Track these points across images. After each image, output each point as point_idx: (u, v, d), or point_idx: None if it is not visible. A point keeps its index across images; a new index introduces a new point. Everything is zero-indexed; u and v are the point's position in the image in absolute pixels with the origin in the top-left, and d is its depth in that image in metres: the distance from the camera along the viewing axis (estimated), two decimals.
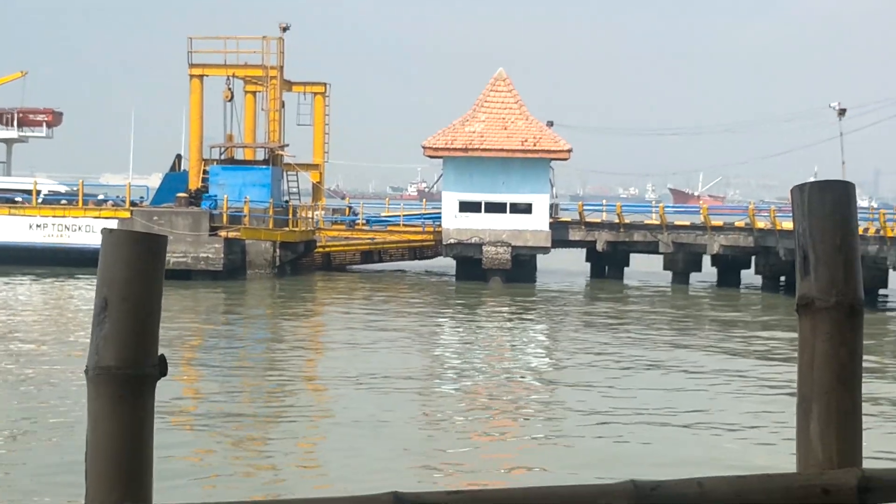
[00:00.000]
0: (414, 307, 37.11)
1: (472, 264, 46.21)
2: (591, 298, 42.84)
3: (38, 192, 48.03)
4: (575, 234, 48.42)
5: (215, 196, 46.67)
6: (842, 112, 49.73)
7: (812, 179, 2.84)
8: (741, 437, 17.92)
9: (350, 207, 55.03)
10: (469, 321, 33.99)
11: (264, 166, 48.83)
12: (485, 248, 45.95)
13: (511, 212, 46.56)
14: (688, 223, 48.57)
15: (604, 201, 54.34)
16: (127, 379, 2.69)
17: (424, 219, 50.75)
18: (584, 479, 13.93)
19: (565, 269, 51.01)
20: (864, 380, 2.75)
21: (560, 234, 47.70)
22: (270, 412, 19.35)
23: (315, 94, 53.59)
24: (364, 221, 51.02)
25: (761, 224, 46.35)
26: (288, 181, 50.97)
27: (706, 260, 47.95)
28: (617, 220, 48.40)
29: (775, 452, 16.15)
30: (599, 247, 48.25)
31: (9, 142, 53.56)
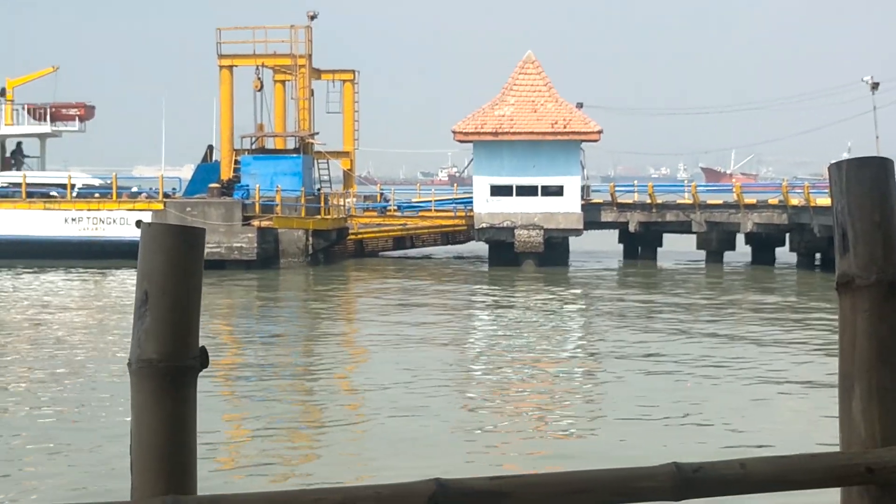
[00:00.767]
0: (448, 292, 37.13)
1: (504, 248, 46.18)
2: (624, 280, 42.75)
3: (73, 186, 48.31)
4: (607, 216, 48.29)
5: (247, 186, 46.81)
6: (875, 86, 49.31)
7: (846, 155, 2.83)
8: (782, 417, 17.85)
9: (381, 194, 55.09)
10: (503, 305, 33.98)
11: (295, 155, 48.93)
12: (517, 232, 45.91)
13: (542, 195, 46.48)
14: (720, 202, 48.33)
15: (635, 182, 54.16)
16: (169, 371, 2.71)
17: (456, 203, 50.73)
18: (625, 462, 13.92)
19: (598, 250, 50.90)
20: None
21: (592, 216, 47.58)
22: (309, 400, 19.42)
23: (344, 81, 53.63)
24: (395, 207, 51.06)
25: (795, 201, 46.07)
26: (319, 169, 51.07)
27: (740, 238, 47.73)
28: (649, 201, 48.22)
29: (817, 432, 16.09)
30: (632, 227, 48.10)
31: (42, 136, 53.85)
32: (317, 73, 51.93)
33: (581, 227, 46.74)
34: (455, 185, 63.04)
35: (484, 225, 46.35)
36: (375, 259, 48.18)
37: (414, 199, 54.48)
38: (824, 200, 44.24)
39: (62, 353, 23.82)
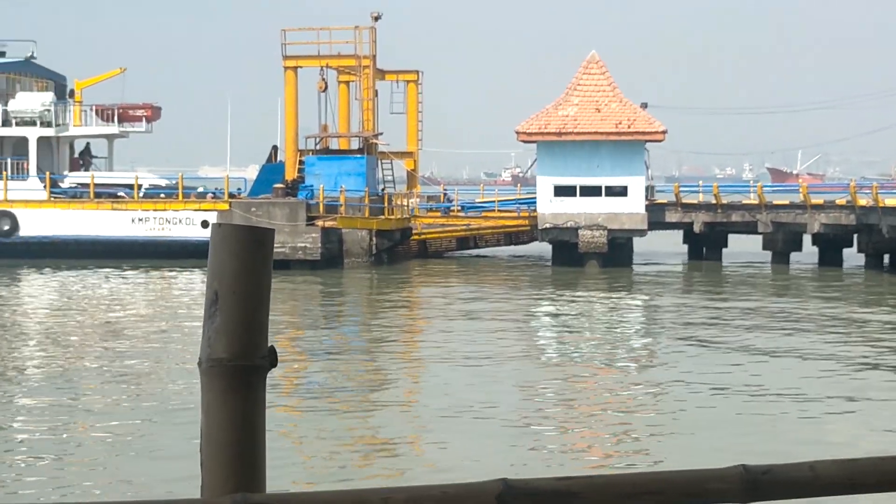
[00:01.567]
0: (511, 293, 37.10)
1: (568, 248, 46.05)
2: (689, 280, 42.48)
3: (140, 187, 48.84)
4: (671, 216, 47.99)
5: (311, 186, 47.06)
6: None
7: None
8: (852, 420, 17.65)
9: (445, 194, 55.15)
10: (567, 306, 33.90)
11: (359, 155, 49.12)
12: (580, 232, 45.76)
13: (606, 195, 46.29)
14: (787, 202, 47.85)
15: (700, 182, 53.77)
16: (238, 370, 2.73)
17: (519, 204, 50.67)
18: (692, 464, 13.85)
19: (662, 251, 50.62)
20: None
21: (656, 217, 47.32)
22: (374, 400, 19.49)
23: (408, 81, 53.75)
24: (459, 208, 51.09)
25: (863, 201, 45.50)
26: (383, 169, 51.23)
27: (807, 239, 47.23)
28: (714, 201, 47.86)
29: (888, 435, 15.90)
30: (697, 228, 47.77)
31: (110, 137, 54.48)
32: (381, 73, 52.10)
33: (645, 227, 46.50)
34: (518, 185, 62.91)
35: (547, 225, 46.25)
36: (439, 259, 48.25)
37: (477, 200, 54.48)
38: (893, 201, 43.66)
39: (130, 353, 24.10)
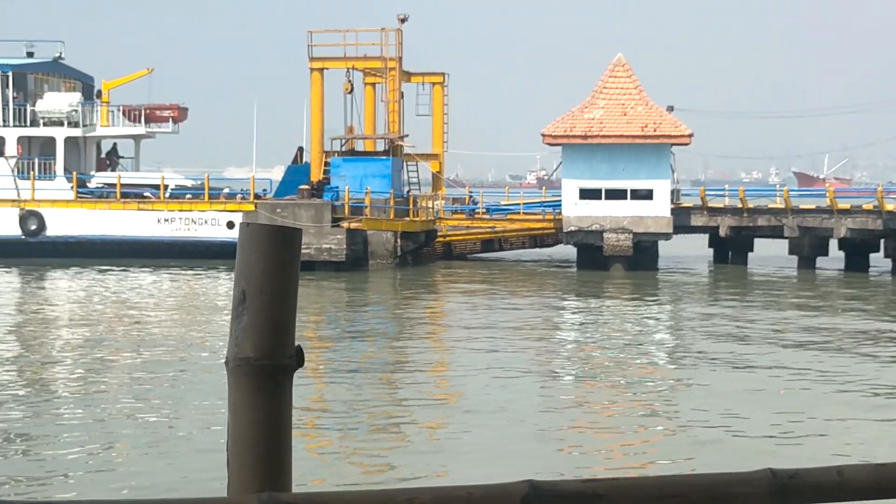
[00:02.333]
0: (536, 295, 37.07)
1: (593, 251, 45.97)
2: (714, 285, 42.34)
3: (166, 187, 49.04)
4: (697, 220, 47.84)
5: (337, 187, 47.15)
6: None
7: None
8: (879, 425, 17.56)
9: (470, 196, 55.15)
10: (591, 309, 33.84)
11: (385, 157, 49.17)
12: (606, 236, 45.67)
13: (632, 198, 46.19)
14: (813, 206, 47.64)
15: (726, 186, 53.59)
16: (265, 370, 2.74)
17: (544, 206, 50.62)
18: (717, 467, 13.80)
19: (687, 255, 50.47)
20: None
21: (682, 220, 47.18)
22: (398, 401, 19.51)
23: (434, 84, 53.79)
24: (484, 210, 51.08)
25: (890, 206, 45.26)
26: (408, 171, 51.26)
27: (833, 244, 47.02)
28: (740, 205, 47.70)
29: None
30: (722, 232, 47.61)
31: (137, 138, 54.72)
32: (407, 75, 52.15)
33: (671, 231, 46.37)
34: (543, 187, 62.83)
35: (572, 228, 46.18)
36: (463, 261, 48.24)
37: (502, 202, 54.47)
38: None
39: (156, 352, 24.19)
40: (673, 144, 46.94)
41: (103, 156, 54.67)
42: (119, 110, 53.37)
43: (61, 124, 51.36)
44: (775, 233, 47.38)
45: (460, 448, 15.82)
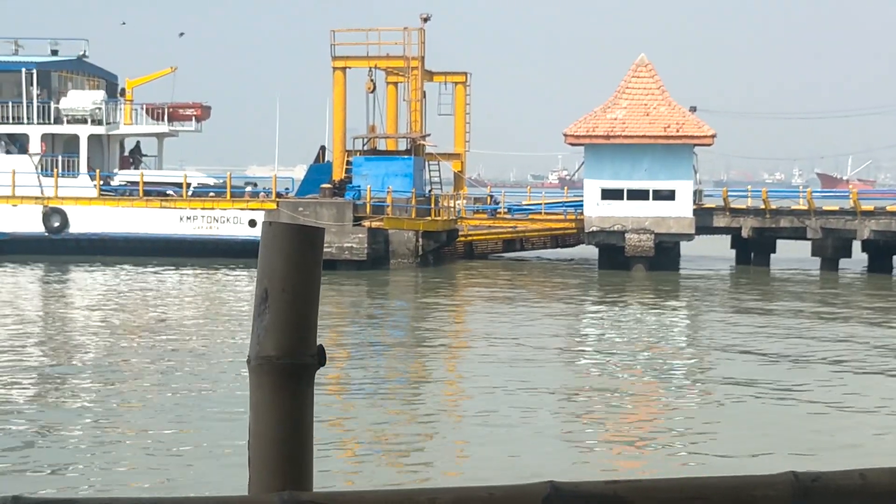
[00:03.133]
0: (557, 296, 37.03)
1: (614, 252, 45.88)
2: (736, 286, 42.21)
3: (188, 186, 49.19)
4: (719, 221, 47.70)
5: (359, 186, 47.19)
6: None
7: None
8: None
9: (491, 196, 55.11)
10: (613, 310, 33.78)
11: (406, 156, 49.20)
12: (627, 236, 45.59)
13: (654, 199, 46.08)
14: (836, 208, 47.45)
15: (749, 187, 53.41)
16: (287, 368, 2.74)
17: (566, 207, 50.56)
18: (740, 470, 13.75)
19: (710, 256, 50.34)
20: None
21: (704, 221, 47.05)
22: (420, 401, 19.51)
23: (456, 83, 53.78)
24: (506, 210, 51.05)
25: None
26: (430, 171, 51.27)
27: (856, 245, 46.82)
28: (763, 206, 47.54)
29: None
30: (745, 233, 47.46)
31: (160, 136, 54.91)
32: (429, 75, 52.16)
33: (693, 231, 46.25)
34: (565, 187, 62.77)
35: (594, 228, 46.11)
36: (485, 261, 48.22)
37: (524, 202, 54.42)
38: None
39: (178, 350, 24.27)
40: (695, 145, 46.81)
41: (126, 154, 54.87)
42: (142, 108, 53.57)
43: (85, 122, 51.57)
44: (798, 234, 47.19)
45: (481, 448, 15.81)
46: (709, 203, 49.01)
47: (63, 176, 49.66)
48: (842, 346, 25.91)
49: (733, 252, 49.69)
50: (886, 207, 46.71)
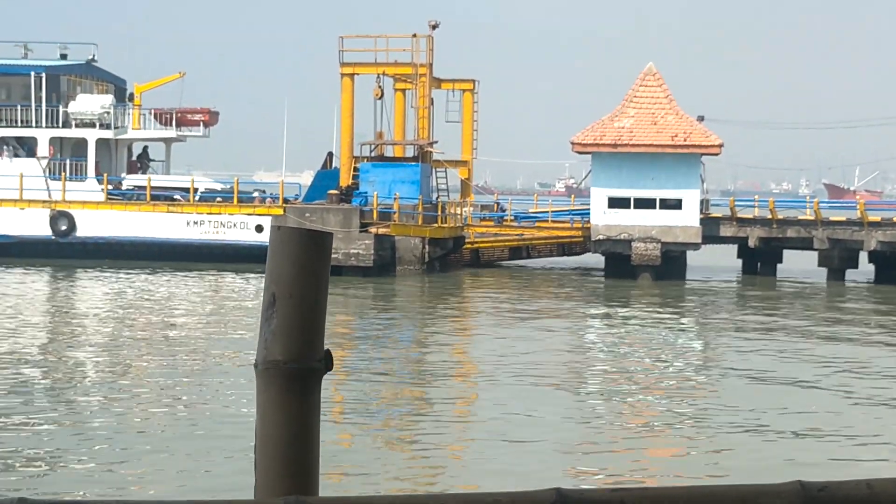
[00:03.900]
0: (563, 304, 37.00)
1: (621, 260, 45.85)
2: (743, 295, 42.16)
3: (196, 190, 49.23)
4: (726, 230, 47.66)
5: (366, 193, 47.21)
6: None
7: None
8: None
9: (498, 203, 55.09)
10: (619, 319, 33.75)
11: (414, 163, 49.21)
12: (634, 245, 45.55)
13: (661, 207, 46.06)
14: (843, 219, 47.40)
15: (756, 197, 53.39)
16: (294, 373, 2.75)
17: (573, 215, 50.53)
18: (746, 479, 13.72)
19: (716, 265, 50.28)
20: None
21: (711, 230, 47.02)
22: (426, 407, 19.50)
23: (464, 90, 53.76)
24: (512, 217, 51.04)
25: None
26: (437, 178, 51.27)
27: (863, 256, 46.75)
28: (770, 216, 47.49)
29: None
30: (751, 243, 47.41)
31: (168, 141, 54.97)
32: (437, 82, 52.17)
33: (699, 241, 46.21)
34: (572, 196, 62.76)
35: (601, 237, 46.08)
36: (491, 269, 48.21)
37: (531, 210, 54.39)
38: None
39: (184, 354, 24.28)
40: (703, 154, 46.78)
41: (134, 158, 54.93)
42: (150, 113, 53.63)
43: (93, 126, 51.65)
44: (805, 244, 47.14)
45: (487, 455, 15.80)
46: (716, 212, 48.98)
47: (71, 180, 49.74)
48: (849, 357, 25.86)
49: (740, 262, 49.64)
50: (893, 218, 46.64)
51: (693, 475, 14.85)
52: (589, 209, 47.43)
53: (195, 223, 47.59)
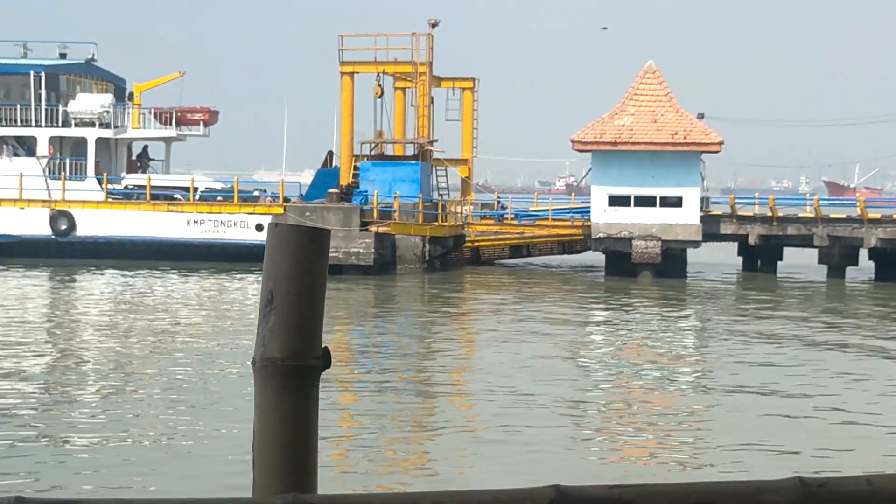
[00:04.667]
0: (563, 302, 37.00)
1: (621, 259, 45.85)
2: (743, 293, 42.16)
3: (196, 190, 49.22)
4: (726, 228, 47.67)
5: (366, 191, 47.21)
6: None
7: None
8: None
9: (499, 202, 55.09)
10: (619, 317, 33.74)
11: (414, 162, 49.22)
12: (634, 243, 45.55)
13: (661, 205, 46.06)
14: (843, 216, 47.40)
15: (756, 194, 53.39)
16: (292, 371, 2.74)
17: (573, 213, 50.53)
18: (746, 475, 13.73)
19: (716, 263, 50.29)
20: None
21: (711, 228, 47.02)
22: (425, 404, 19.50)
23: (464, 89, 53.74)
24: (513, 216, 51.03)
25: None
26: (437, 176, 51.27)
27: (863, 253, 46.75)
28: (770, 214, 47.49)
29: None
30: (751, 240, 47.42)
31: (167, 140, 54.96)
32: (437, 80, 52.16)
33: (700, 238, 46.21)
34: (573, 194, 62.77)
35: (601, 235, 46.08)
36: (491, 267, 48.20)
37: (531, 208, 54.40)
38: None
39: (183, 353, 24.28)
40: (703, 152, 46.79)
41: (134, 157, 54.92)
42: (150, 112, 53.62)
43: (93, 125, 51.64)
44: (805, 242, 47.15)
45: (486, 452, 15.80)
46: (716, 210, 48.99)
47: (70, 179, 49.73)
48: (848, 354, 25.86)
49: (740, 259, 49.64)
50: (893, 216, 46.64)
51: (692, 472, 14.84)
52: (589, 207, 47.44)
53: (195, 222, 47.58)
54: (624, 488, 2.45)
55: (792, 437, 17.02)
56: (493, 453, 15.70)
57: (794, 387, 21.40)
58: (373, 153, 50.49)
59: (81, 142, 51.60)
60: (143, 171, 53.37)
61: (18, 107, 51.66)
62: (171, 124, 53.45)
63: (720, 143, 46.44)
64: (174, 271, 43.87)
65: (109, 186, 49.28)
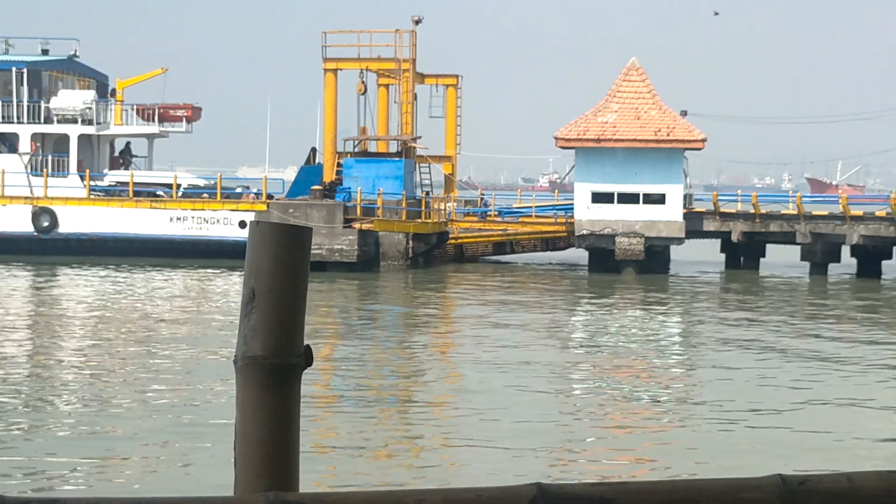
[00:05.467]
0: (547, 299, 37.04)
1: (604, 255, 45.92)
2: (726, 289, 42.27)
3: (179, 186, 49.11)
4: (709, 225, 47.78)
5: (349, 188, 47.18)
6: None
7: None
8: (890, 431, 17.50)
9: (482, 199, 55.11)
10: (602, 313, 33.80)
11: (397, 158, 49.20)
12: (618, 240, 45.62)
13: (644, 202, 46.14)
14: (826, 213, 47.56)
15: (739, 191, 53.51)
16: (274, 368, 2.73)
17: (557, 210, 50.58)
18: (727, 473, 13.76)
19: (699, 260, 50.40)
20: None
21: (694, 225, 47.13)
22: (408, 402, 19.50)
23: (447, 86, 53.75)
24: (496, 213, 51.05)
25: None
26: (420, 173, 51.27)
27: (845, 250, 46.92)
28: (752, 211, 47.62)
29: None
30: (734, 237, 47.54)
31: (150, 137, 54.81)
32: (420, 77, 52.15)
33: (683, 235, 46.31)
34: (556, 191, 62.82)
35: (584, 232, 46.14)
36: (475, 264, 48.23)
37: (515, 205, 54.42)
38: None
39: (165, 351, 24.23)
40: (686, 149, 46.89)
41: (116, 154, 54.77)
42: (133, 109, 53.47)
43: (75, 122, 51.48)
44: (787, 239, 47.30)
45: (469, 450, 15.81)
46: (699, 207, 49.10)
47: (53, 176, 49.56)
48: (829, 351, 25.94)
49: (723, 256, 49.77)
50: (876, 212, 46.81)
51: (674, 469, 14.88)
52: (573, 204, 47.49)
53: (178, 219, 47.47)
54: (605, 486, 2.46)
55: (773, 434, 17.07)
56: (476, 451, 15.71)
57: (776, 383, 21.46)
58: (356, 150, 50.46)
59: (64, 138, 51.44)
60: (126, 168, 53.22)
61: (0, 103, 51.47)
62: (153, 121, 53.32)
63: (703, 140, 46.54)
64: (157, 268, 43.76)
65: (92, 183, 49.12)
